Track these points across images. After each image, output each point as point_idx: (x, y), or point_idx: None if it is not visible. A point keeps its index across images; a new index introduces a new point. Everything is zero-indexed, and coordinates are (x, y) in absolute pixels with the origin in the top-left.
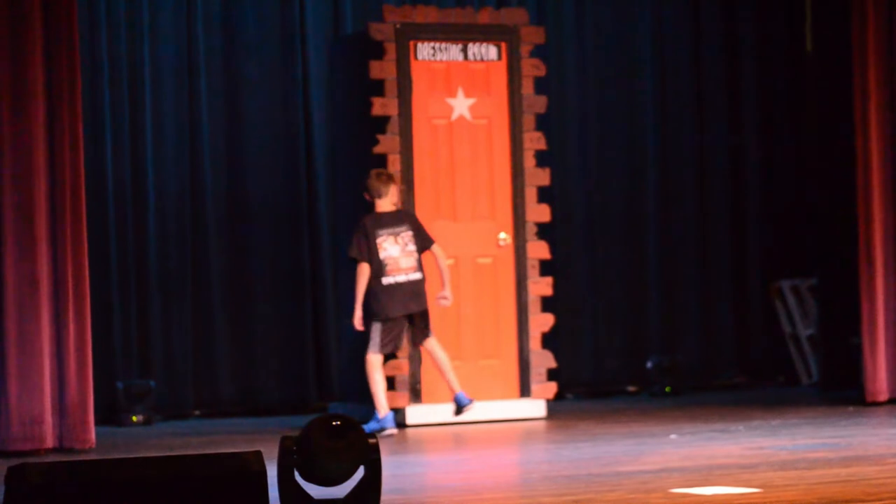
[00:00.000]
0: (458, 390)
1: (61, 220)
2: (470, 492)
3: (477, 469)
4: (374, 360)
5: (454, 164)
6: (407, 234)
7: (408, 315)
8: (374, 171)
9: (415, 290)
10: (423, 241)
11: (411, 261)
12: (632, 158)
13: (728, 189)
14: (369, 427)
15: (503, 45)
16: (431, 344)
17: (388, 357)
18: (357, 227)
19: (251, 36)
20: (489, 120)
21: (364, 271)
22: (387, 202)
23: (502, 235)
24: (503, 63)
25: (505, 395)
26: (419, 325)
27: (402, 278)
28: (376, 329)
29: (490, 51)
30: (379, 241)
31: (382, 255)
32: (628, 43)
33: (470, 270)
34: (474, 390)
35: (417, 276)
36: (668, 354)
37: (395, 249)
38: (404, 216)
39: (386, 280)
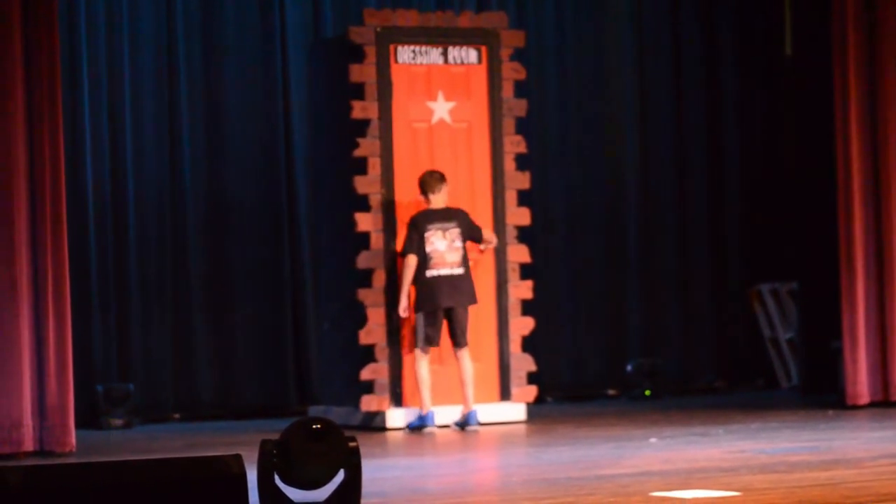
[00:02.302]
0: (472, 408)
1: (41, 224)
2: (450, 495)
3: (457, 472)
4: (418, 354)
5: (435, 168)
6: (455, 231)
7: (448, 311)
8: (427, 171)
9: (456, 284)
10: (473, 233)
11: (456, 256)
12: (612, 162)
13: (708, 193)
14: (412, 424)
15: (483, 48)
16: (463, 354)
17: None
18: (409, 222)
19: (231, 39)
20: (469, 123)
21: (411, 263)
22: (439, 199)
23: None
24: (483, 66)
25: (485, 399)
26: (459, 325)
27: (445, 272)
28: (419, 321)
29: (470, 54)
30: (427, 235)
31: (429, 248)
32: (608, 47)
33: None
34: (454, 394)
35: (460, 270)
36: (648, 358)
37: (442, 244)
38: (455, 213)
39: (430, 273)
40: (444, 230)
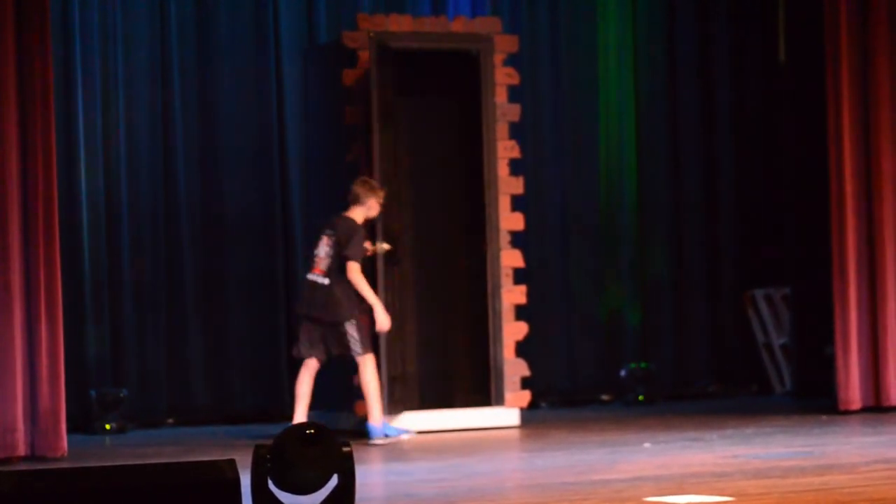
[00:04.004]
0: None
1: (34, 228)
2: (444, 500)
3: (451, 477)
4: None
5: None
6: (330, 239)
7: (317, 320)
8: (361, 178)
9: (314, 294)
10: (341, 247)
11: (323, 265)
12: (606, 167)
13: (702, 198)
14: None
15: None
16: (362, 362)
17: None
18: None
19: (225, 44)
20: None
21: None
22: (357, 210)
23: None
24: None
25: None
26: (331, 334)
27: (311, 277)
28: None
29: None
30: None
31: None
32: (603, 51)
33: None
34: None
35: (325, 280)
36: (642, 363)
37: (321, 250)
38: (337, 223)
39: (307, 276)
40: (325, 236)
